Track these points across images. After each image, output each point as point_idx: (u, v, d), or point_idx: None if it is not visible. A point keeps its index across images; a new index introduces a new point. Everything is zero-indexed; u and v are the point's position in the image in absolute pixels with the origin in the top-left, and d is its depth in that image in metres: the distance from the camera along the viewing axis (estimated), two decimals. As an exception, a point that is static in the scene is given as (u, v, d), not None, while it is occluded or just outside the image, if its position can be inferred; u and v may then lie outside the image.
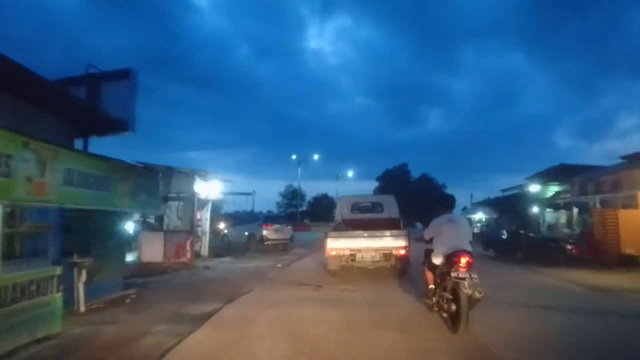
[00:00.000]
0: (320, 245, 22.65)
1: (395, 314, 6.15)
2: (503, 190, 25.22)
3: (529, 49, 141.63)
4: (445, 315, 5.33)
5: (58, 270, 5.24)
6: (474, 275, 4.99)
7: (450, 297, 5.13)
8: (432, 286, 5.85)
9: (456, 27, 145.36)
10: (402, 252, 9.58)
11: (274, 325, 5.53)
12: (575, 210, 13.75)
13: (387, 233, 9.83)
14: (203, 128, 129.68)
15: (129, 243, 15.90)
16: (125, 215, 8.39)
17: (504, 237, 16.29)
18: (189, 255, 13.23)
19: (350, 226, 10.99)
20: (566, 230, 14.19)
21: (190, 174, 13.60)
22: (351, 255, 9.76)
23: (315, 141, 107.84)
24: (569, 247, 12.11)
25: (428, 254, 6.02)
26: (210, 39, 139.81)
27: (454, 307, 5.02)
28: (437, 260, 5.66)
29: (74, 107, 7.79)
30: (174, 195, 13.72)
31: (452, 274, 5.07)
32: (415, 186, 69.62)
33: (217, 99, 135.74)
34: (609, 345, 4.71)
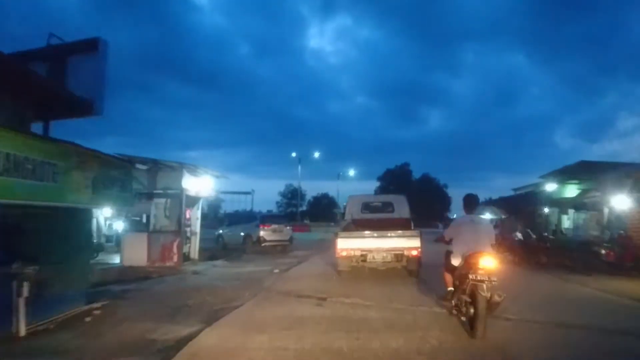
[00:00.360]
0: (321, 247, 21.50)
1: (422, 339, 4.77)
2: (515, 190, 23.85)
3: (529, 49, 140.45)
4: (463, 319, 5.12)
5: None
6: (493, 278, 4.82)
7: (468, 300, 4.93)
8: (450, 288, 5.61)
9: (456, 27, 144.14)
10: (414, 252, 9.38)
11: (263, 361, 4.16)
12: (606, 210, 12.38)
13: (399, 233, 9.68)
14: (203, 127, 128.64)
15: (100, 246, 14.62)
16: (90, 213, 6.93)
17: (518, 239, 14.97)
18: (175, 258, 11.88)
19: (360, 226, 10.76)
20: (595, 233, 12.83)
21: (178, 169, 12.23)
22: (362, 255, 9.51)
23: (315, 141, 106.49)
24: (603, 251, 10.73)
25: (448, 255, 5.77)
26: (211, 37, 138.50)
27: (472, 310, 4.82)
28: (456, 261, 5.45)
29: (28, 83, 6.44)
30: (160, 191, 12.35)
31: (470, 276, 4.88)
32: (417, 186, 68.42)
33: (218, 98, 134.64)
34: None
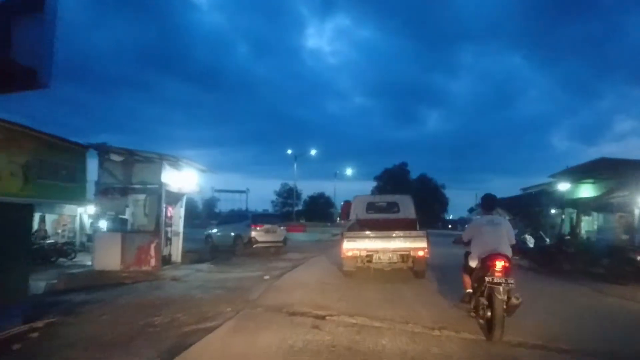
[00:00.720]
0: (318, 249, 20.10)
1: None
2: (524, 189, 22.58)
3: (527, 51, 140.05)
4: (481, 321, 5.00)
5: None
6: (511, 280, 4.75)
7: (485, 302, 4.85)
8: (469, 290, 5.49)
9: (455, 28, 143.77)
10: (421, 253, 9.25)
11: None
12: (637, 211, 11.07)
13: (406, 234, 9.53)
14: (201, 126, 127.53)
15: (82, 245, 13.25)
16: (27, 209, 5.49)
17: (530, 244, 13.68)
18: (153, 262, 10.47)
19: (366, 226, 10.60)
20: (624, 237, 11.53)
21: (157, 161, 10.82)
22: (368, 256, 9.37)
23: (313, 140, 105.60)
24: (639, 257, 9.41)
25: (466, 256, 5.70)
26: (210, 36, 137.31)
27: (489, 313, 4.74)
28: (474, 262, 5.40)
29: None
30: (136, 186, 10.91)
31: (487, 279, 4.81)
32: (414, 186, 67.13)
33: (215, 97, 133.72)
34: None
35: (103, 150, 10.67)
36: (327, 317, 5.77)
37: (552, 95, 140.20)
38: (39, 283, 9.25)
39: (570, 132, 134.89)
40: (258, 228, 16.52)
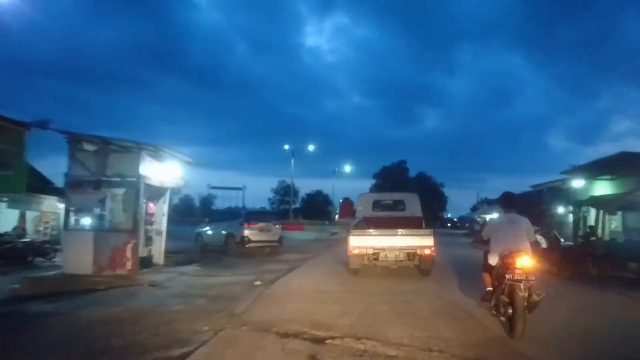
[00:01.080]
0: (316, 249, 18.90)
1: None
2: (534, 187, 21.44)
3: (525, 51, 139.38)
4: (503, 319, 5.00)
5: None
6: (531, 277, 4.72)
7: (506, 300, 4.84)
8: (489, 288, 5.44)
9: (453, 28, 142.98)
10: (428, 251, 9.33)
11: None
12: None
13: (413, 232, 9.62)
14: (198, 124, 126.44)
15: (18, 249, 12.11)
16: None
17: (543, 244, 12.54)
18: (129, 265, 9.25)
19: (372, 224, 10.53)
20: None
21: (135, 150, 9.57)
22: (374, 254, 9.43)
23: (311, 139, 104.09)
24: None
25: (486, 255, 5.65)
26: (208, 34, 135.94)
27: (510, 310, 4.74)
28: (493, 260, 5.35)
29: None
30: (113, 179, 9.67)
31: (507, 276, 4.81)
32: (413, 184, 65.96)
33: (214, 95, 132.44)
34: None
35: (74, 138, 9.44)
36: (327, 341, 4.56)
37: (550, 95, 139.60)
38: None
39: (567, 131, 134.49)
40: (252, 226, 15.34)
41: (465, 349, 4.35)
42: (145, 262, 10.45)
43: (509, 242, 5.16)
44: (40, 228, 16.89)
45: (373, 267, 9.77)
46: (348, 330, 4.99)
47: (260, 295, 7.30)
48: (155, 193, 11.05)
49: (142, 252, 10.37)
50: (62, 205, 17.22)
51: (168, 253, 13.68)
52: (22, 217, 15.51)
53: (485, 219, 38.07)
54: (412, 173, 70.82)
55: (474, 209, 54.25)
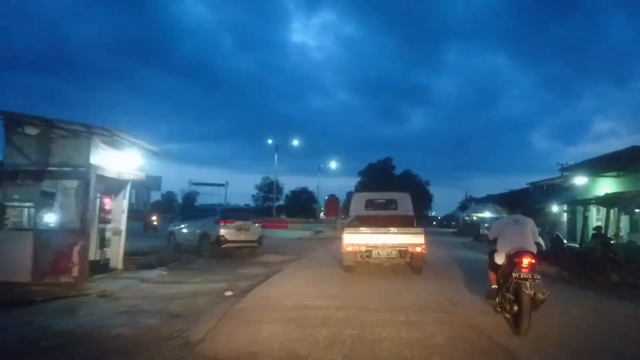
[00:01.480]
0: (300, 249, 17.49)
1: None
2: (532, 184, 20.40)
3: (510, 51, 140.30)
4: (507, 316, 5.17)
5: None
6: (537, 276, 4.89)
7: (512, 297, 4.99)
8: (494, 286, 5.68)
9: (440, 27, 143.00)
10: (419, 249, 9.55)
11: None
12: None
13: (405, 230, 9.87)
14: (182, 120, 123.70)
15: None
16: None
17: (543, 246, 11.47)
18: (76, 271, 7.73)
19: (365, 223, 10.82)
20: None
21: (84, 135, 8.04)
22: (367, 251, 9.64)
23: (297, 136, 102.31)
24: None
25: (492, 254, 5.91)
26: (193, 29, 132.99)
27: (516, 307, 4.90)
28: (500, 260, 5.58)
29: None
30: (58, 168, 8.11)
31: (514, 274, 4.97)
32: (399, 182, 65.03)
33: (198, 91, 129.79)
34: None
35: (11, 119, 7.88)
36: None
37: (535, 95, 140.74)
38: None
39: (551, 131, 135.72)
40: (228, 225, 13.84)
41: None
42: (100, 267, 8.94)
43: (515, 241, 5.39)
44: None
45: (366, 264, 10.02)
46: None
47: (228, 312, 5.86)
48: (114, 186, 9.52)
49: (96, 255, 8.86)
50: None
51: (135, 255, 12.22)
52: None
53: (473, 217, 37.22)
54: (398, 171, 69.80)
55: (463, 207, 53.45)
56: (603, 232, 11.75)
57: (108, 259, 9.30)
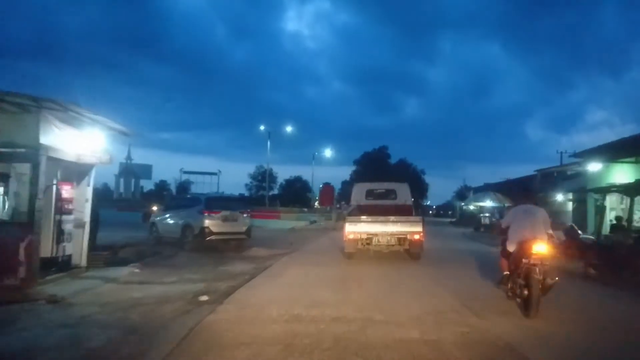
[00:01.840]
0: (293, 242, 16.25)
1: None
2: (539, 171, 19.35)
3: (505, 40, 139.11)
4: (518, 300, 5.39)
5: None
6: (546, 262, 5.18)
7: (522, 283, 5.25)
8: (506, 272, 5.94)
9: (434, 16, 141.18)
10: (417, 237, 9.93)
11: None
12: None
13: (403, 219, 10.23)
14: (175, 109, 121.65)
15: None
16: None
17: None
18: (23, 271, 6.48)
19: (365, 212, 11.20)
20: None
21: (33, 110, 6.73)
22: (367, 238, 10.00)
23: (291, 125, 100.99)
24: None
25: (504, 242, 6.14)
26: (185, 16, 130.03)
27: (526, 292, 5.13)
28: (511, 247, 5.78)
29: None
30: (8, 149, 6.81)
31: (524, 260, 5.25)
32: (394, 171, 63.92)
33: (191, 80, 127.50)
34: None
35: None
36: None
37: (529, 85, 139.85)
38: None
39: (545, 121, 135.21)
40: (213, 215, 12.62)
41: None
42: (58, 266, 7.69)
43: (526, 230, 5.63)
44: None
45: (366, 251, 10.43)
46: None
47: (196, 328, 4.65)
48: (75, 172, 8.23)
49: (52, 251, 7.60)
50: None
51: (111, 248, 11.03)
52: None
53: (471, 207, 36.24)
54: (394, 160, 68.69)
55: (461, 196, 52.52)
56: (624, 222, 10.71)
57: (69, 256, 8.04)
